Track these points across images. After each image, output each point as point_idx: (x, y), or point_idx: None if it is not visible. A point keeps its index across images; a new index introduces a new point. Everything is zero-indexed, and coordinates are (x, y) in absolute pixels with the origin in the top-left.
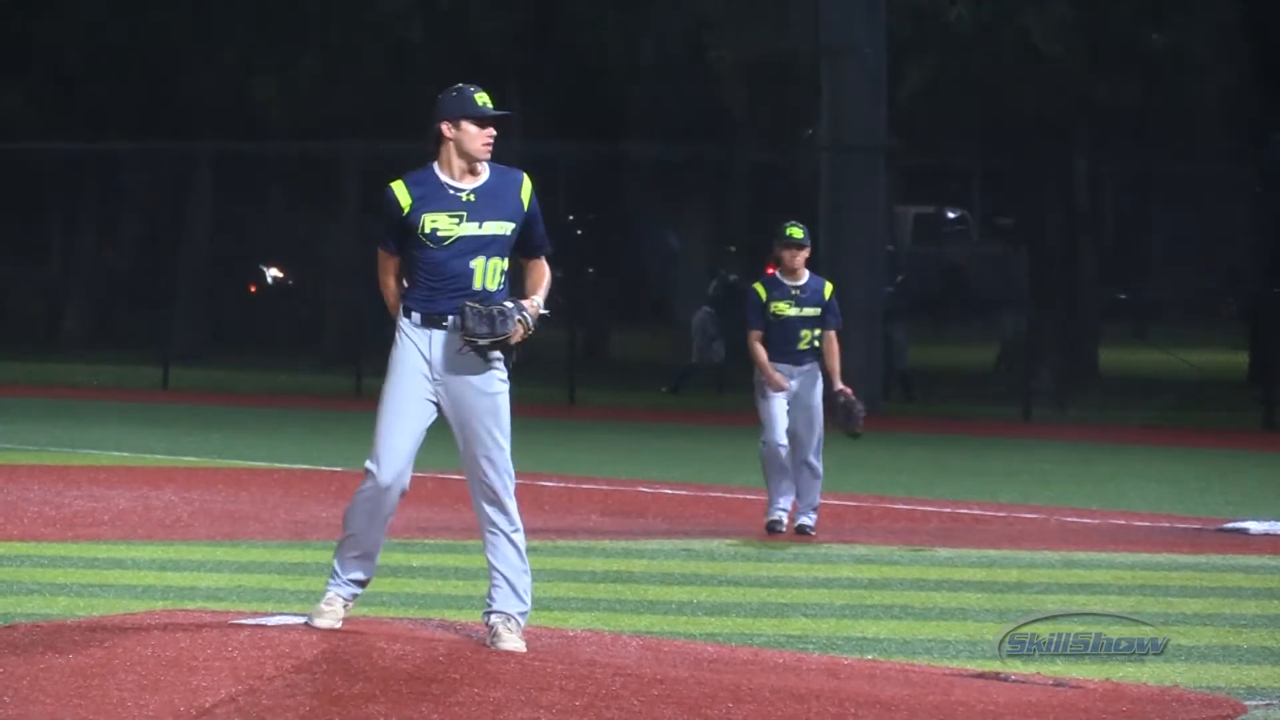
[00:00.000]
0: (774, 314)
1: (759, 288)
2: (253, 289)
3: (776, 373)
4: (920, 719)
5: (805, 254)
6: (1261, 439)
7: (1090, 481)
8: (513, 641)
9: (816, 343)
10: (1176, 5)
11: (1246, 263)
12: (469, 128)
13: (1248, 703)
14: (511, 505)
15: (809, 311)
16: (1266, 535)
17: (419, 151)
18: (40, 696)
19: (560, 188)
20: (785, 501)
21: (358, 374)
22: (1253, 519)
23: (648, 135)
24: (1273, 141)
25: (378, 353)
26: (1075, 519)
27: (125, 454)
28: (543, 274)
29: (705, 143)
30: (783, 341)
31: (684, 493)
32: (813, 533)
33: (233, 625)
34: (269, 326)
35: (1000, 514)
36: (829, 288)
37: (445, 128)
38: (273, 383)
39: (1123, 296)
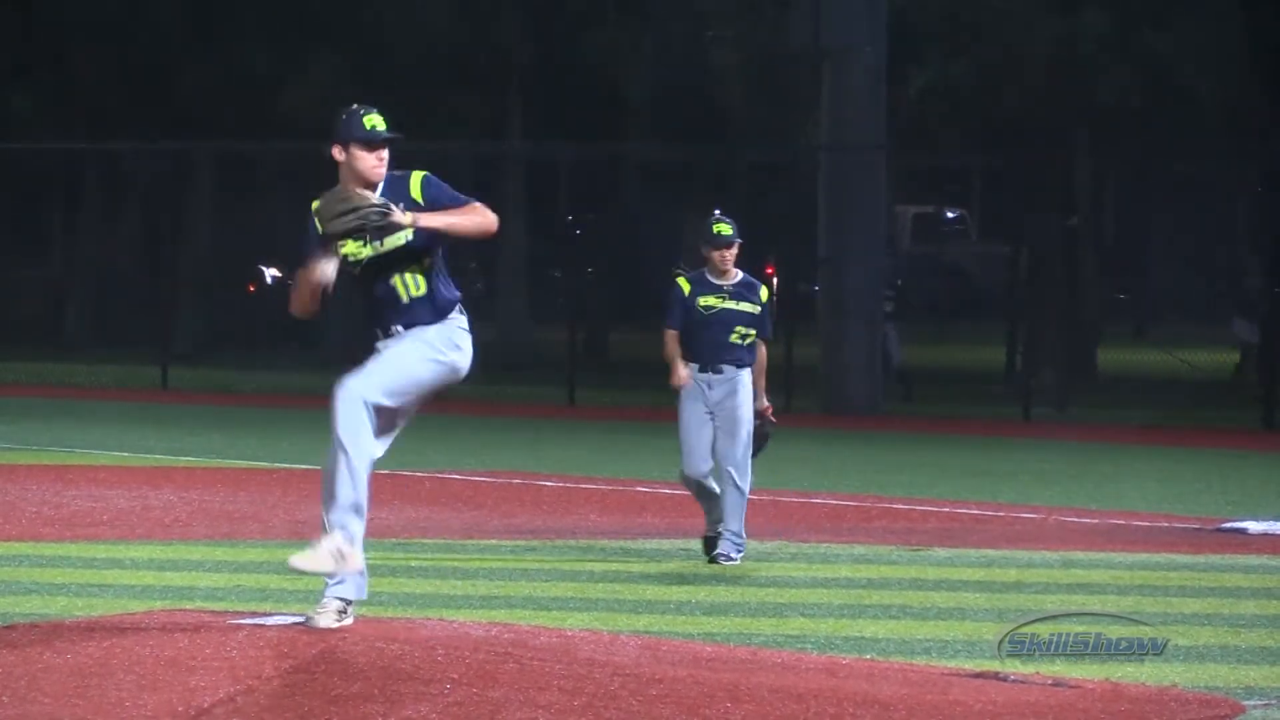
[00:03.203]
0: (702, 308)
1: (682, 282)
2: (252, 289)
3: (682, 370)
4: (918, 719)
5: (735, 252)
6: (1261, 439)
7: (1090, 481)
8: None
9: (748, 339)
10: (1178, 5)
11: (1246, 263)
12: (358, 151)
13: (1246, 703)
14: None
15: (746, 306)
16: (1265, 535)
17: (419, 152)
18: (38, 696)
19: (560, 188)
20: (717, 519)
21: None
22: (1252, 519)
23: (648, 135)
24: (1273, 141)
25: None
26: (1074, 519)
27: (125, 454)
28: (462, 210)
29: (705, 143)
30: (711, 340)
31: (683, 493)
32: (732, 561)
33: (231, 625)
34: (269, 326)
35: (999, 514)
36: (765, 291)
37: (336, 151)
38: (273, 383)
39: (1122, 296)
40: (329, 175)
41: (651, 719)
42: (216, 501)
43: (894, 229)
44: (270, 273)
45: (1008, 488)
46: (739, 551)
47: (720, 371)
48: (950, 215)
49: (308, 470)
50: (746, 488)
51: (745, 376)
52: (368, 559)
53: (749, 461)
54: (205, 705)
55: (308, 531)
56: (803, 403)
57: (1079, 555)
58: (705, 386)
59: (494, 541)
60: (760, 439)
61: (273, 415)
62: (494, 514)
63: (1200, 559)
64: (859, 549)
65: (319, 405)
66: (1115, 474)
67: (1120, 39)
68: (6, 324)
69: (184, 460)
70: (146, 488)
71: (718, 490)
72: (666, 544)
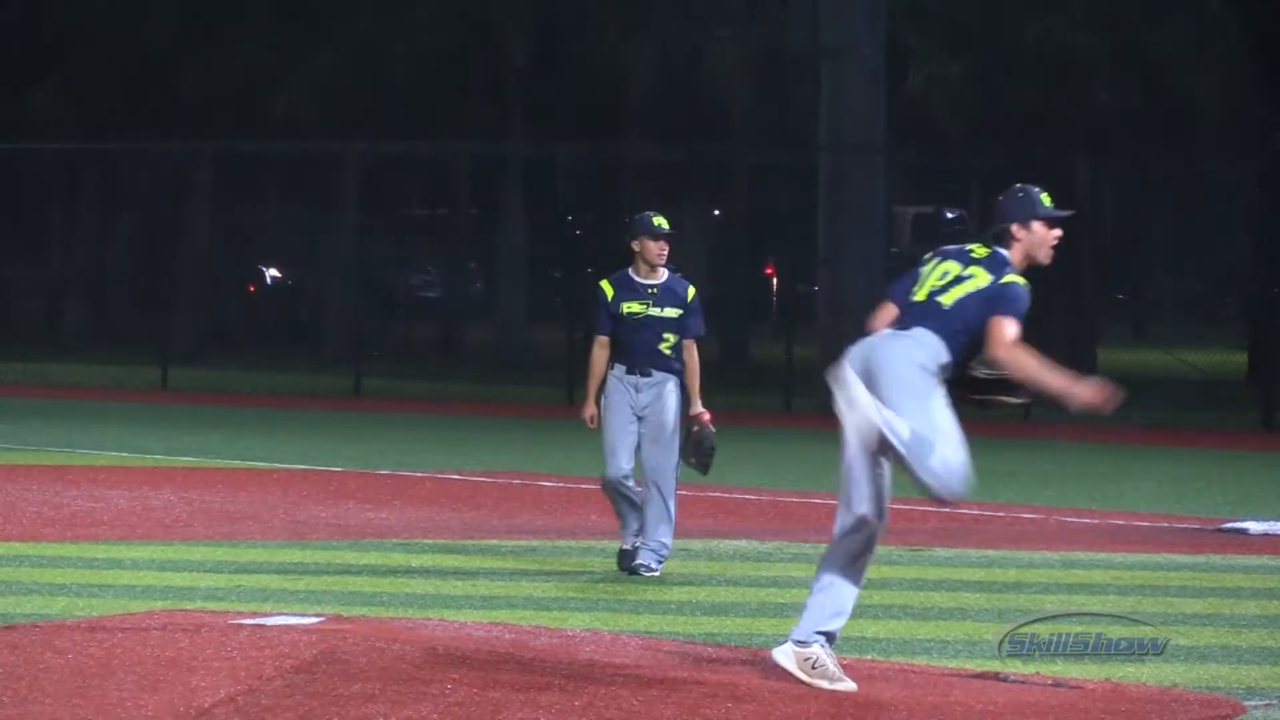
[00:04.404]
0: (626, 314)
1: (605, 286)
2: (252, 289)
3: (592, 407)
4: (919, 719)
5: (668, 248)
6: (1261, 439)
7: (1090, 481)
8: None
9: (673, 350)
10: (1177, 4)
11: (1246, 263)
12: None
13: (1247, 703)
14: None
15: (670, 312)
16: (1266, 535)
17: (418, 152)
18: (39, 696)
19: (560, 188)
20: (638, 527)
21: (357, 374)
22: (1252, 519)
23: (648, 136)
24: (1273, 141)
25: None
26: (1075, 519)
27: (124, 454)
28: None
29: (705, 143)
30: (638, 346)
31: (682, 493)
32: (653, 572)
33: (232, 625)
34: (269, 326)
35: (999, 514)
36: (692, 290)
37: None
38: (272, 383)
39: (1121, 296)
40: (327, 176)
41: (652, 719)
42: (216, 502)
43: (894, 229)
44: (270, 273)
45: (1008, 488)
46: (659, 562)
47: (649, 375)
48: (950, 215)
49: (307, 470)
50: (672, 499)
51: (673, 384)
52: (370, 561)
53: (675, 472)
54: (206, 706)
55: (307, 532)
56: (802, 403)
57: (1079, 555)
58: (632, 389)
59: (494, 541)
60: (706, 453)
61: (273, 415)
62: (494, 514)
63: (1200, 559)
64: None
65: (319, 405)
66: (1115, 474)
67: (1115, 37)
68: (6, 324)
69: (184, 460)
70: (146, 488)
71: (637, 499)
72: None
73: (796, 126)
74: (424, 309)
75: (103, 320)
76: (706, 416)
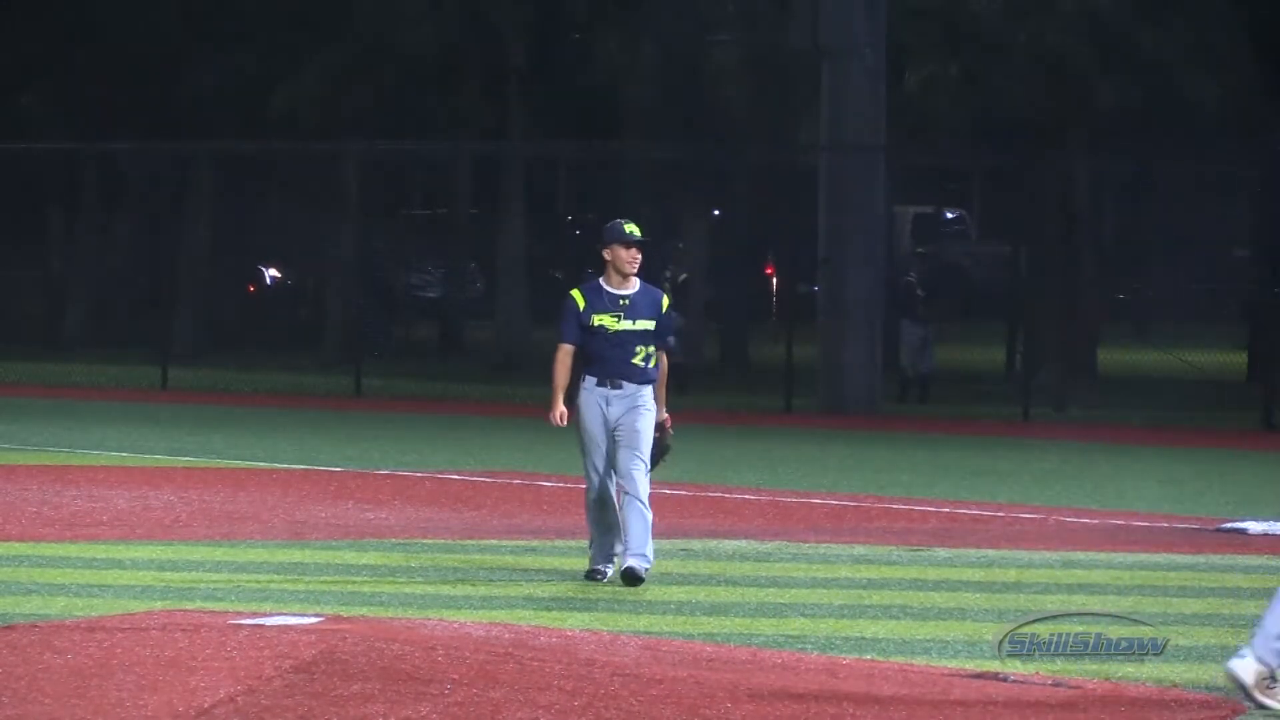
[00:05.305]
0: (598, 326)
1: (576, 295)
2: (252, 289)
3: (561, 407)
4: (918, 719)
5: (641, 256)
6: (1261, 439)
7: (1090, 481)
8: None
9: (651, 360)
10: (1177, 4)
11: (1247, 263)
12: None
13: (1247, 703)
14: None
15: (643, 324)
16: (1265, 535)
17: (418, 152)
18: (38, 696)
19: (560, 188)
20: (609, 551)
21: (357, 374)
22: (1252, 519)
23: (648, 135)
24: (1274, 141)
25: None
26: (1074, 519)
27: (124, 454)
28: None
29: (705, 143)
30: (610, 359)
31: (682, 493)
32: (643, 575)
33: (231, 625)
34: (269, 326)
35: (999, 514)
36: (666, 301)
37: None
38: (273, 383)
39: (1122, 296)
40: (327, 176)
41: (651, 719)
42: (216, 502)
43: (894, 229)
44: (270, 273)
45: (1008, 488)
46: (646, 570)
47: (620, 387)
48: (950, 215)
49: (307, 470)
50: (648, 504)
51: (647, 392)
52: (370, 561)
53: (648, 478)
54: (206, 706)
55: (307, 532)
56: (802, 403)
57: (1079, 555)
58: (604, 402)
59: (494, 541)
60: (659, 450)
61: (272, 415)
62: (494, 514)
63: (1200, 559)
64: (859, 549)
65: (319, 405)
66: (1115, 474)
67: (1116, 34)
68: (6, 324)
69: (184, 460)
70: (146, 488)
71: (617, 521)
72: (666, 544)
73: (797, 127)
74: (424, 309)
75: (103, 320)
76: (669, 422)
